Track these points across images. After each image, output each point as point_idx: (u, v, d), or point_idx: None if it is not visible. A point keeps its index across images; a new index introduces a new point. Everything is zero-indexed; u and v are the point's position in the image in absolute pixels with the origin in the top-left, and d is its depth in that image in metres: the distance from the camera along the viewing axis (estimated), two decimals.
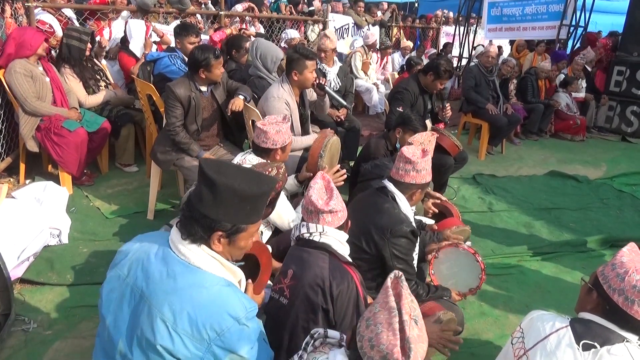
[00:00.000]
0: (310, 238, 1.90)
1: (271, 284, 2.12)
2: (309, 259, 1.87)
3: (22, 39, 3.79)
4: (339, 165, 3.04)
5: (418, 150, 2.34)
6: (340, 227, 1.93)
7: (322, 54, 4.94)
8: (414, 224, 2.34)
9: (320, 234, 1.89)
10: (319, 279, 1.81)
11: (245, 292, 1.67)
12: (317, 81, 3.61)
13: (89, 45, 4.35)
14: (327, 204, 1.88)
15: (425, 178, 2.32)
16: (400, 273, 1.35)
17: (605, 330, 1.50)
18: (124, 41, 4.97)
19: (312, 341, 1.46)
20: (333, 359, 1.33)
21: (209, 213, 1.42)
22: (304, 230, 1.92)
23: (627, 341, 1.47)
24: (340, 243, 1.93)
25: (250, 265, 2.05)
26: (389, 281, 1.31)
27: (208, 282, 1.43)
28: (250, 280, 1.76)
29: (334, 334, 1.47)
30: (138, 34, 4.88)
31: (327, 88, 3.69)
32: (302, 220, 1.96)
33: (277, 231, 2.71)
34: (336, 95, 3.85)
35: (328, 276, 1.81)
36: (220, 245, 1.47)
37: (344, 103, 4.06)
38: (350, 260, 1.96)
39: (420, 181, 2.30)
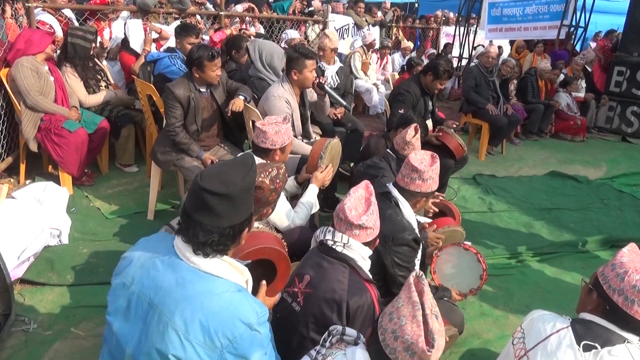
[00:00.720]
0: (333, 247, 1.85)
1: None
2: (329, 269, 1.82)
3: (32, 37, 3.85)
4: (329, 166, 3.02)
5: (427, 157, 2.30)
6: (366, 243, 1.87)
7: (321, 52, 4.95)
8: (417, 231, 2.33)
9: (344, 246, 1.83)
10: (337, 294, 1.77)
11: (257, 294, 1.67)
12: (317, 80, 3.60)
13: (93, 45, 4.36)
14: (358, 217, 1.81)
15: (431, 187, 2.28)
16: (421, 272, 1.38)
17: (606, 331, 1.50)
18: (125, 41, 4.98)
19: (329, 338, 1.48)
20: (351, 355, 1.34)
21: (234, 221, 1.44)
22: (328, 236, 1.87)
23: (628, 342, 1.47)
24: (362, 258, 1.87)
25: (266, 269, 2.04)
26: (411, 279, 1.36)
27: (219, 289, 1.41)
28: (264, 282, 1.75)
29: (351, 332, 1.50)
30: (136, 31, 4.90)
31: (326, 87, 3.67)
32: (331, 224, 1.91)
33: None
34: (336, 94, 3.85)
35: (346, 293, 1.77)
36: (244, 239, 1.53)
37: (344, 103, 4.06)
38: (370, 276, 1.90)
39: (426, 190, 2.27)
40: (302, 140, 3.71)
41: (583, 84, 8.08)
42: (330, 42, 4.98)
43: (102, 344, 1.59)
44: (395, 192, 2.30)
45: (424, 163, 2.26)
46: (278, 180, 2.21)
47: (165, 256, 1.47)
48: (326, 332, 1.50)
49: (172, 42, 4.93)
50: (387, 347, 1.25)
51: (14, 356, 2.33)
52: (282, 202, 2.58)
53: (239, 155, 2.16)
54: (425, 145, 3.87)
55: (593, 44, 10.52)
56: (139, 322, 1.44)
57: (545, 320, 1.62)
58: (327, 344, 1.46)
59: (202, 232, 1.40)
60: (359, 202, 1.87)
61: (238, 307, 1.40)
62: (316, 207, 2.85)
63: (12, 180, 4.15)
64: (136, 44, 4.87)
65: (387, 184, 2.40)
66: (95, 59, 4.59)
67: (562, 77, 7.57)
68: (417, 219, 2.89)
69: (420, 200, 2.33)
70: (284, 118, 2.80)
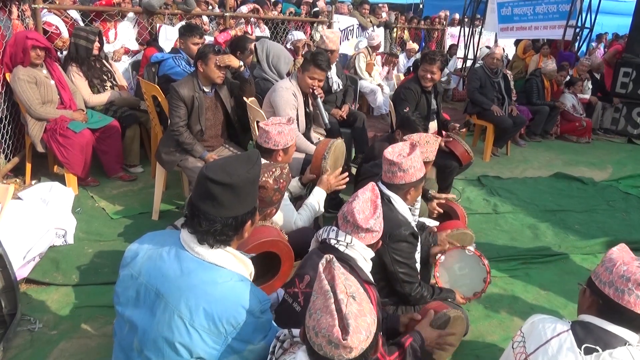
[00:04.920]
0: (336, 246, 1.85)
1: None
2: None
3: (14, 50, 3.78)
4: (343, 168, 3.02)
5: (406, 147, 2.27)
6: (369, 245, 1.87)
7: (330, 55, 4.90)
8: (413, 225, 2.31)
9: (347, 245, 1.83)
10: None
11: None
12: (313, 91, 3.63)
13: (97, 45, 4.39)
14: (367, 221, 1.81)
15: (416, 175, 2.25)
16: (332, 256, 1.36)
17: (606, 333, 1.50)
18: (155, 39, 5.06)
19: (279, 344, 1.46)
20: (299, 358, 1.33)
21: (236, 212, 1.47)
22: (332, 235, 1.87)
23: (629, 344, 1.47)
24: (364, 260, 1.87)
25: (266, 270, 2.05)
26: (321, 267, 1.33)
27: (222, 278, 1.46)
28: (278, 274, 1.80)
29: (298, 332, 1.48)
30: (172, 35, 5.01)
31: (318, 99, 3.75)
32: (335, 224, 1.91)
33: None
34: (324, 110, 3.87)
35: None
36: (248, 232, 1.55)
37: (327, 122, 4.01)
38: (370, 278, 1.90)
39: (410, 180, 2.24)
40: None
41: (589, 85, 8.04)
42: (332, 43, 4.85)
43: (113, 340, 1.62)
44: (384, 189, 2.28)
45: (402, 154, 2.23)
46: (282, 180, 2.20)
47: (172, 248, 1.52)
48: (274, 339, 1.48)
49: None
50: (314, 345, 1.23)
51: (20, 355, 2.34)
52: (286, 203, 2.59)
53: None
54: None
55: (600, 46, 10.48)
56: (147, 311, 1.48)
57: (545, 323, 1.61)
58: (279, 350, 1.44)
59: (205, 221, 1.44)
60: (366, 204, 1.87)
61: (240, 295, 1.44)
62: (320, 211, 2.85)
63: (18, 180, 4.18)
64: (167, 43, 4.94)
65: (377, 182, 2.38)
66: (103, 60, 4.62)
67: (567, 78, 7.54)
68: (423, 222, 2.89)
69: (410, 191, 2.29)
70: (288, 119, 2.80)
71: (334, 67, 5.03)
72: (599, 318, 1.53)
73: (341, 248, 1.84)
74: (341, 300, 1.22)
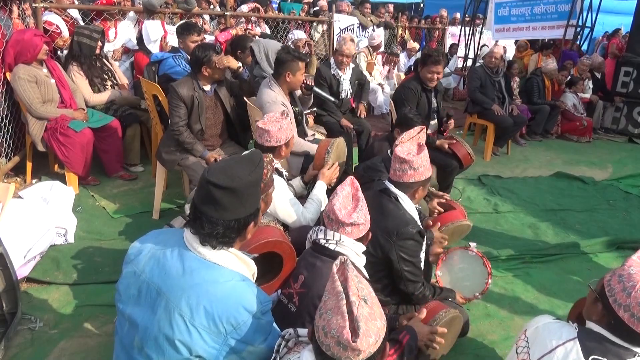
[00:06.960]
0: (326, 245, 1.85)
1: None
2: (322, 268, 1.83)
3: (20, 47, 3.77)
4: (335, 164, 3.01)
5: (413, 146, 2.28)
6: (359, 239, 1.88)
7: (345, 59, 4.77)
8: (419, 224, 2.32)
9: (336, 243, 1.84)
10: None
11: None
12: (305, 82, 3.62)
13: (99, 44, 4.39)
14: (349, 216, 1.82)
15: (425, 174, 2.26)
16: (346, 258, 1.36)
17: (614, 346, 1.45)
18: (141, 41, 5.01)
19: (284, 343, 1.46)
20: (304, 357, 1.33)
21: (239, 215, 1.47)
22: (320, 235, 1.88)
23: (638, 356, 1.43)
24: (356, 255, 1.88)
25: (271, 264, 2.05)
26: (334, 268, 1.32)
27: (223, 278, 1.46)
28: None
29: (305, 332, 1.48)
30: (155, 35, 4.96)
31: (315, 88, 3.73)
32: (322, 224, 1.92)
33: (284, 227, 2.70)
34: (324, 92, 3.87)
35: None
36: (250, 233, 1.56)
37: (332, 99, 4.05)
38: (365, 273, 1.90)
39: (420, 178, 2.25)
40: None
41: (590, 84, 8.04)
42: (353, 46, 4.88)
43: (114, 338, 1.62)
44: (392, 188, 2.29)
45: (412, 153, 2.25)
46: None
47: (175, 247, 1.52)
48: (279, 338, 1.48)
49: (175, 42, 4.95)
50: (322, 345, 1.22)
51: (21, 354, 2.34)
52: (290, 198, 2.60)
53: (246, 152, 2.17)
54: (436, 151, 3.87)
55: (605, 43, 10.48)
56: (148, 309, 1.48)
57: (550, 330, 1.56)
58: (283, 349, 1.44)
59: (208, 223, 1.44)
60: (347, 200, 1.88)
61: (242, 295, 1.45)
62: (325, 203, 2.85)
63: (18, 179, 4.18)
64: (155, 47, 4.90)
65: (384, 181, 2.39)
66: (104, 59, 4.62)
67: (568, 77, 7.53)
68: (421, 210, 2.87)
69: (418, 190, 2.31)
70: (282, 113, 2.80)
71: (348, 72, 4.92)
72: (609, 332, 1.47)
73: (331, 246, 1.85)
74: (353, 302, 1.22)
